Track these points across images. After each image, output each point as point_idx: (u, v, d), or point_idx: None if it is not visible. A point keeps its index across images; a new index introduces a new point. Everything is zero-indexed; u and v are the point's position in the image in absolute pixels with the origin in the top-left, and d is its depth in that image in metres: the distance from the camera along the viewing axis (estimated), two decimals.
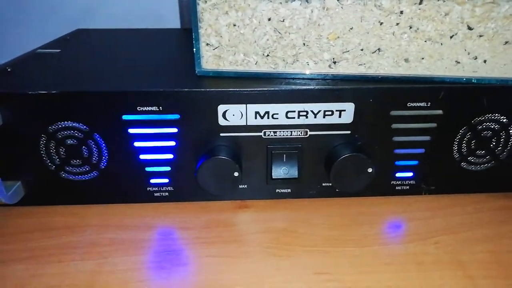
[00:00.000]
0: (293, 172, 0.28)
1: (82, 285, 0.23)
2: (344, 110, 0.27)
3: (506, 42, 0.27)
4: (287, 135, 0.27)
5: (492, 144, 0.29)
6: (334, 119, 0.27)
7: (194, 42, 0.27)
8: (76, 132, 0.26)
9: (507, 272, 0.24)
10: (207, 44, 0.27)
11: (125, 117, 0.26)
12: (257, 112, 0.26)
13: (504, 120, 0.28)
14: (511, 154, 0.29)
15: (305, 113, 0.27)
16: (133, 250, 0.25)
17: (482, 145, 0.29)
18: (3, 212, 0.29)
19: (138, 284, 0.23)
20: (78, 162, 0.27)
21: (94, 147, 0.27)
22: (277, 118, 0.27)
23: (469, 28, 0.26)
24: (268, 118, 0.27)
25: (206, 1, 0.26)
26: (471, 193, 0.31)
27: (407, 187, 0.30)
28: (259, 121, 0.27)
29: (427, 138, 0.28)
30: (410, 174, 0.29)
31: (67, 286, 0.23)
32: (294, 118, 0.27)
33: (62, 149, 0.27)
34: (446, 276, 0.24)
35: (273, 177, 0.29)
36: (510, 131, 0.28)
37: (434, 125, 0.28)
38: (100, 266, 0.24)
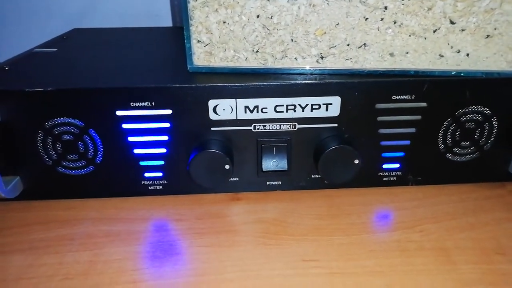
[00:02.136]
0: (282, 165, 0.29)
1: (78, 275, 0.24)
2: (331, 104, 0.28)
3: (488, 36, 0.28)
4: (276, 129, 0.28)
5: (476, 135, 0.30)
6: (321, 113, 0.28)
7: (185, 39, 0.28)
8: (72, 128, 0.27)
9: (489, 257, 0.25)
10: (198, 41, 0.28)
11: (119, 112, 0.27)
12: (246, 107, 0.27)
13: (487, 112, 0.29)
14: (495, 145, 0.30)
15: (293, 107, 0.28)
16: (128, 241, 0.26)
17: (466, 136, 0.30)
18: (2, 206, 0.29)
19: (132, 272, 0.24)
20: (74, 157, 0.28)
21: (89, 142, 0.28)
22: (266, 112, 0.28)
23: (452, 23, 0.27)
24: (257, 112, 0.28)
25: (196, 0, 0.27)
26: (457, 183, 0.32)
27: (394, 178, 0.31)
28: (249, 115, 0.28)
29: (412, 130, 0.29)
30: (396, 165, 0.30)
31: (64, 275, 0.23)
32: (282, 112, 0.28)
33: (59, 144, 0.28)
34: (429, 262, 0.24)
35: (264, 170, 0.29)
36: (493, 123, 0.29)
37: (418, 117, 0.28)
38: (96, 257, 0.25)
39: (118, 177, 0.29)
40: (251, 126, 0.28)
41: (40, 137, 0.28)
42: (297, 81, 0.27)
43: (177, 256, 0.25)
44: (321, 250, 0.25)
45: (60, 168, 0.29)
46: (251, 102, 0.27)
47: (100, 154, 0.28)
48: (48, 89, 0.26)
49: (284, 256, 0.25)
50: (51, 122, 0.27)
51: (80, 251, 0.25)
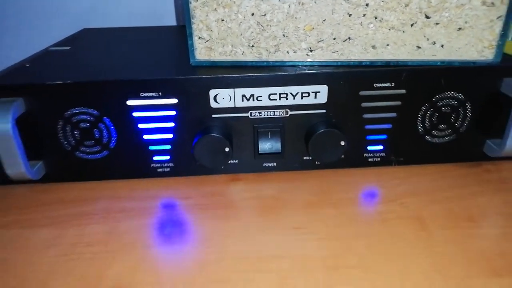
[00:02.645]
0: (277, 148, 0.33)
1: (99, 242, 0.27)
2: (319, 92, 0.31)
3: (459, 28, 0.31)
4: (270, 115, 0.31)
5: (452, 118, 0.33)
6: (310, 100, 0.31)
7: (188, 36, 0.31)
8: (88, 117, 0.31)
9: (459, 223, 0.28)
10: (199, 38, 0.32)
11: (129, 102, 0.30)
12: (243, 95, 0.31)
13: (461, 97, 0.32)
14: (469, 128, 0.33)
15: (285, 95, 0.31)
16: (140, 215, 0.30)
17: (443, 120, 0.33)
18: (28, 188, 0.33)
19: (146, 241, 0.27)
20: (91, 143, 0.32)
21: (104, 129, 0.31)
22: (261, 100, 0.31)
23: (427, 17, 0.30)
24: (253, 100, 0.31)
25: (197, 0, 0.30)
26: (436, 163, 0.35)
27: (378, 159, 0.34)
28: (246, 103, 0.31)
29: (393, 114, 0.32)
30: (380, 147, 0.34)
31: (86, 243, 0.27)
32: (276, 100, 0.31)
33: (77, 131, 0.31)
34: (406, 227, 0.28)
35: (260, 152, 0.33)
36: (467, 107, 0.32)
37: (398, 103, 0.32)
38: (114, 229, 0.28)
39: (130, 160, 0.33)
40: (248, 113, 0.31)
41: (60, 125, 0.31)
42: (289, 72, 0.30)
43: (185, 226, 0.28)
44: (311, 220, 0.29)
45: (78, 153, 0.32)
46: (248, 91, 0.30)
47: (113, 140, 0.32)
48: (67, 82, 0.30)
49: (278, 225, 0.28)
50: (70, 112, 0.31)
51: (100, 224, 0.29)
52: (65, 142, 0.32)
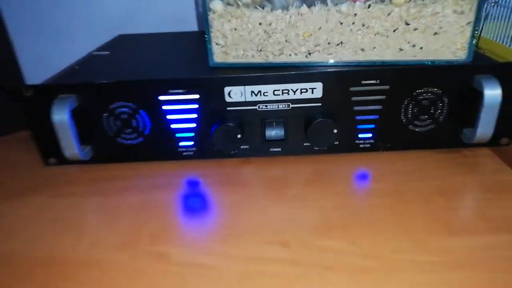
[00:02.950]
0: (281, 135, 0.39)
1: (137, 206, 0.34)
2: (315, 88, 0.37)
3: (435, 33, 0.36)
4: (275, 108, 0.38)
5: (431, 110, 0.38)
6: (308, 95, 0.37)
7: (207, 42, 0.38)
8: (127, 109, 0.38)
9: (432, 197, 0.34)
10: (217, 44, 0.38)
11: (160, 97, 0.37)
12: (252, 91, 0.37)
13: (439, 92, 0.37)
14: (447, 118, 0.38)
15: (287, 91, 0.37)
16: (169, 189, 0.37)
17: (423, 111, 0.38)
18: (79, 167, 0.41)
19: (174, 207, 0.34)
20: (129, 131, 0.39)
21: (140, 120, 0.38)
22: (267, 95, 0.37)
23: (407, 24, 0.36)
24: (260, 95, 0.37)
25: (214, 13, 0.37)
26: (419, 149, 0.40)
27: (368, 145, 0.40)
28: (254, 98, 0.37)
29: (379, 107, 0.38)
30: (369, 135, 0.39)
31: (127, 206, 0.34)
32: (279, 95, 0.37)
33: (118, 121, 0.39)
34: (385, 200, 0.34)
35: (266, 139, 0.39)
36: (444, 100, 0.38)
37: (383, 97, 0.37)
38: (148, 197, 0.36)
39: (160, 145, 0.40)
40: (256, 106, 0.38)
41: (105, 116, 0.38)
42: (290, 72, 0.37)
43: (205, 197, 0.35)
44: (307, 192, 0.35)
45: (119, 139, 0.39)
46: (256, 88, 0.37)
47: (147, 128, 0.39)
48: (110, 81, 0.37)
49: (280, 197, 0.35)
50: (113, 105, 0.38)
51: (137, 194, 0.36)
52: (109, 130, 0.39)
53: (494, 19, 0.46)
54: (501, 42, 0.44)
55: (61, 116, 0.36)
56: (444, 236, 0.30)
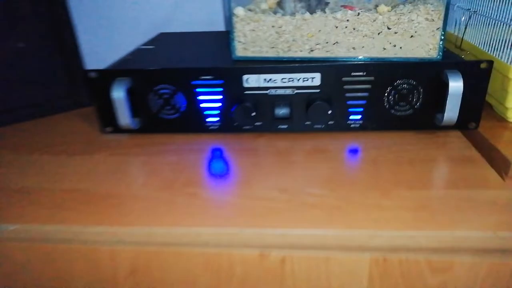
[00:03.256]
0: (287, 114, 0.49)
1: (174, 163, 0.45)
2: (315, 77, 0.47)
3: (411, 36, 0.45)
4: (282, 92, 0.48)
5: (409, 98, 0.47)
6: (309, 83, 0.47)
7: (230, 40, 0.49)
8: (168, 90, 0.49)
9: (401, 166, 0.43)
10: (238, 41, 0.49)
11: (193, 82, 0.48)
12: (265, 79, 0.47)
13: (415, 83, 0.46)
14: (422, 104, 0.47)
15: (292, 79, 0.47)
16: (198, 153, 0.47)
17: (402, 98, 0.47)
18: (129, 135, 0.52)
19: (202, 163, 0.45)
20: (169, 108, 0.50)
21: (177, 99, 0.49)
22: (276, 82, 0.47)
23: (388, 28, 0.45)
24: (271, 82, 0.47)
25: (237, 17, 0.47)
26: (400, 130, 0.49)
27: (357, 125, 0.49)
28: (267, 84, 0.48)
29: (366, 94, 0.47)
30: (359, 116, 0.49)
31: (167, 162, 0.45)
32: (286, 82, 0.47)
33: (160, 100, 0.50)
34: (365, 166, 0.43)
35: (275, 117, 0.49)
36: (419, 90, 0.47)
37: (369, 86, 0.47)
38: (182, 157, 0.46)
39: (192, 120, 0.51)
40: (267, 90, 0.48)
41: (150, 96, 0.49)
42: (296, 64, 0.47)
43: (226, 160, 0.46)
44: (308, 161, 0.45)
45: (161, 114, 0.50)
46: (268, 76, 0.47)
47: (183, 106, 0.50)
48: (156, 68, 0.48)
49: (284, 161, 0.45)
50: (157, 87, 0.49)
51: (173, 155, 0.47)
52: (153, 107, 0.50)
53: (474, 26, 0.54)
54: (478, 45, 0.52)
55: (118, 93, 0.47)
56: (405, 189, 0.39)
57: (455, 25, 0.59)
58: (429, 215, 0.36)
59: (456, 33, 0.58)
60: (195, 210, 0.38)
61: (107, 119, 0.51)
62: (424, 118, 0.48)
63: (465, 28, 0.55)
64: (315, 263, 0.36)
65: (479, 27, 0.53)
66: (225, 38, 0.64)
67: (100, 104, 0.50)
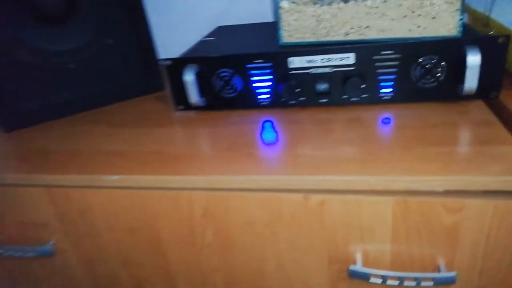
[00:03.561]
0: (326, 89, 0.58)
1: (234, 132, 0.56)
2: (350, 57, 0.55)
3: (433, 18, 0.52)
4: (322, 71, 0.57)
5: (433, 72, 0.54)
6: (345, 62, 0.56)
7: (277, 29, 0.58)
8: (227, 73, 0.60)
9: (426, 128, 0.50)
10: (284, 30, 0.58)
11: (247, 65, 0.58)
12: (307, 60, 0.56)
13: (437, 58, 0.53)
14: (445, 77, 0.54)
15: (330, 59, 0.56)
16: (253, 123, 0.58)
17: (427, 73, 0.54)
18: (196, 112, 0.64)
19: (256, 131, 0.55)
20: (228, 88, 0.61)
21: (235, 80, 0.60)
22: (317, 62, 0.56)
23: (413, 12, 0.53)
24: (312, 62, 0.56)
25: (283, 9, 0.57)
26: (426, 101, 0.57)
27: (388, 98, 0.57)
28: (308, 64, 0.57)
29: (395, 70, 0.55)
30: (389, 90, 0.56)
31: (228, 131, 0.56)
32: (325, 62, 0.56)
33: (221, 81, 0.60)
34: (391, 130, 0.51)
35: (317, 93, 0.58)
36: (442, 64, 0.54)
37: (397, 63, 0.54)
38: (241, 128, 0.57)
39: (247, 98, 0.61)
40: (309, 70, 0.57)
41: (214, 78, 0.60)
42: (333, 46, 0.55)
43: (274, 128, 0.56)
44: (342, 127, 0.54)
45: (222, 93, 0.61)
46: (309, 58, 0.56)
47: (240, 86, 0.60)
48: (217, 55, 0.59)
49: (323, 129, 0.54)
50: (218, 71, 0.60)
51: (233, 126, 0.58)
52: (216, 87, 0.61)
53: (500, 5, 0.59)
54: (504, 23, 0.58)
55: (189, 77, 0.59)
56: (426, 146, 0.47)
57: (483, 5, 0.64)
58: (443, 165, 0.43)
59: (484, 12, 0.63)
60: (251, 164, 0.48)
61: (179, 99, 0.63)
62: (447, 89, 0.55)
63: (491, 8, 0.61)
64: (348, 204, 0.46)
65: (505, 6, 0.58)
66: (272, 27, 0.74)
67: (173, 86, 0.62)
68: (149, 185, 0.50)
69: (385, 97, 0.57)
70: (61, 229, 0.57)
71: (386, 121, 0.54)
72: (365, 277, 0.47)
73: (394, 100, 0.57)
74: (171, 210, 0.51)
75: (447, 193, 0.43)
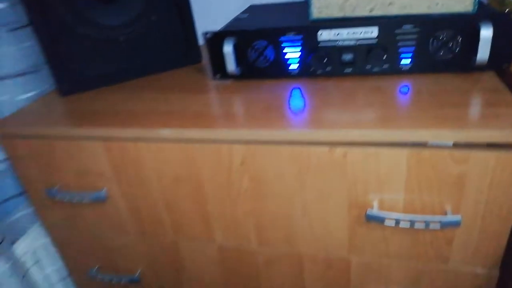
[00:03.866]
0: (351, 59, 0.64)
1: (267, 97, 0.63)
2: (373, 31, 0.61)
3: None
4: (348, 43, 0.63)
5: (449, 45, 0.60)
6: (368, 35, 0.62)
7: (308, 6, 0.65)
8: (261, 45, 0.67)
9: (442, 93, 0.57)
10: (314, 6, 0.65)
11: (280, 38, 0.65)
12: (334, 33, 0.63)
13: (453, 32, 0.59)
14: (460, 50, 0.60)
15: (355, 33, 0.62)
16: (283, 90, 0.65)
17: (444, 45, 0.60)
18: (232, 80, 0.71)
19: (286, 97, 0.62)
20: (262, 58, 0.68)
21: (268, 51, 0.67)
22: (343, 35, 0.63)
23: None
24: (339, 35, 0.63)
25: None
26: (443, 72, 0.63)
27: (408, 68, 0.63)
28: (335, 37, 0.63)
29: (414, 42, 0.61)
30: (408, 61, 0.63)
31: (261, 97, 0.63)
32: (351, 35, 0.63)
33: (256, 52, 0.68)
34: (409, 96, 0.58)
35: (342, 63, 0.65)
36: (458, 38, 0.59)
37: (416, 36, 0.60)
38: (272, 94, 0.64)
39: (278, 67, 0.68)
40: (336, 42, 0.64)
41: (249, 50, 0.68)
42: (358, 21, 0.62)
43: (303, 95, 0.63)
44: (364, 94, 0.60)
45: (256, 63, 0.69)
46: (337, 31, 0.63)
47: (272, 57, 0.67)
48: (252, 29, 0.66)
49: (348, 95, 0.61)
50: (253, 43, 0.67)
51: (266, 93, 0.65)
52: (250, 58, 0.68)
53: None
54: None
55: (228, 48, 0.66)
56: (438, 108, 0.53)
57: None
58: (453, 122, 0.50)
59: None
60: (283, 122, 0.55)
61: (217, 68, 0.71)
62: (462, 61, 0.61)
63: None
64: (368, 156, 0.53)
65: None
66: (300, 6, 0.81)
67: (212, 57, 0.70)
68: (196, 137, 0.58)
69: (404, 68, 0.64)
70: (114, 178, 0.66)
71: (404, 89, 0.60)
72: (380, 220, 0.54)
73: (412, 70, 0.63)
74: (213, 160, 0.59)
75: (455, 146, 0.49)
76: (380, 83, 0.63)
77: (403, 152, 0.51)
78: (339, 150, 0.53)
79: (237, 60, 0.68)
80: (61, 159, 0.66)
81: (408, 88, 0.60)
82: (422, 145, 0.50)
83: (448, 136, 0.49)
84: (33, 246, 0.82)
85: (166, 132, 0.58)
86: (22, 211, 0.83)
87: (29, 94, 0.78)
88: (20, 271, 0.76)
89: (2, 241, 0.70)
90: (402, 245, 0.58)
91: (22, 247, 0.79)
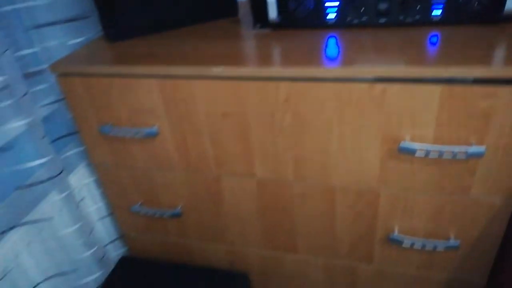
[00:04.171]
0: (387, 9, 0.69)
1: (304, 45, 0.69)
2: None
3: None
4: None
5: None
6: None
7: None
8: None
9: (470, 39, 0.62)
10: None
11: None
12: None
13: None
14: (489, 1, 0.65)
15: None
16: (320, 38, 0.70)
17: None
18: (271, 30, 0.76)
19: (322, 44, 0.68)
20: (301, 7, 0.73)
21: (308, 1, 0.72)
22: None
23: None
24: None
25: None
26: (472, 23, 0.68)
27: (438, 19, 0.68)
28: None
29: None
30: (439, 12, 0.68)
31: (296, 44, 0.69)
32: None
33: (296, 2, 0.73)
34: (439, 43, 0.63)
35: (378, 12, 0.70)
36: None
37: None
38: (310, 42, 0.70)
39: (317, 16, 0.73)
40: None
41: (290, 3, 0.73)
42: None
43: (338, 43, 0.68)
44: (396, 43, 0.66)
45: (295, 13, 0.74)
46: None
47: (311, 5, 0.72)
48: None
49: (380, 45, 0.66)
50: None
51: (304, 42, 0.71)
52: (291, 7, 0.73)
53: None
54: None
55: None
56: (465, 50, 0.59)
57: None
58: (481, 60, 0.55)
59: None
60: (325, 62, 0.61)
61: (258, 18, 0.76)
62: (491, 12, 0.66)
63: None
64: (404, 92, 0.58)
65: None
66: None
67: (254, 6, 0.75)
68: (246, 74, 0.63)
69: (435, 19, 0.69)
70: (165, 115, 0.72)
71: (435, 37, 0.66)
72: (412, 151, 0.60)
73: (443, 21, 0.69)
74: (259, 97, 0.65)
75: (483, 81, 0.55)
76: (412, 33, 0.68)
77: (437, 88, 0.57)
78: (378, 86, 0.59)
79: (278, 10, 0.73)
80: (115, 97, 0.72)
81: (438, 37, 0.66)
82: (454, 81, 0.56)
83: (476, 72, 0.54)
84: (80, 183, 0.89)
85: (218, 70, 0.64)
86: (69, 151, 0.90)
87: (79, 39, 0.83)
88: (74, 202, 0.83)
89: (61, 172, 0.77)
90: (429, 178, 0.64)
91: (72, 183, 0.86)
